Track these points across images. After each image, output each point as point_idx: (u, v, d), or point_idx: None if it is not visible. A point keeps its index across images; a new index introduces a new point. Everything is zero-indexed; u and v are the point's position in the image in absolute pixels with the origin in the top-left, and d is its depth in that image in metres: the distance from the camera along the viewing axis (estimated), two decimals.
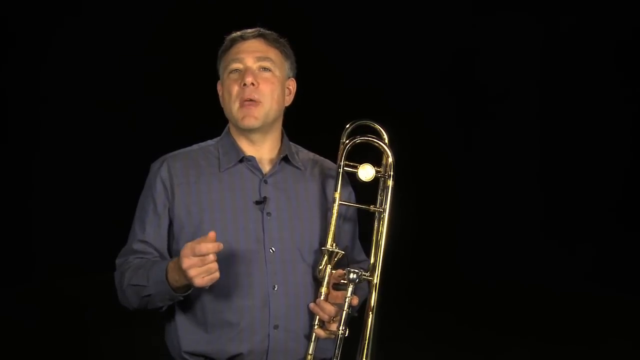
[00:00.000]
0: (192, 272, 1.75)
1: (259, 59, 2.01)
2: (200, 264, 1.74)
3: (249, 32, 2.05)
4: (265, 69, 2.01)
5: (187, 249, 1.75)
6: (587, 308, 5.43)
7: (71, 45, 5.88)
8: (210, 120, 2.32)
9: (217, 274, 1.77)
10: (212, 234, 1.75)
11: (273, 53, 2.03)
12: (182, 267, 1.76)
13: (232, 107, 2.00)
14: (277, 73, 2.03)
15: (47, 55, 5.88)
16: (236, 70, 2.01)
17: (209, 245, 1.73)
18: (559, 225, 6.44)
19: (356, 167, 1.98)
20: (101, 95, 5.97)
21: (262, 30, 2.06)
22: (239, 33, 2.05)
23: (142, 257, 1.99)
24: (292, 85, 2.11)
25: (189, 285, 1.83)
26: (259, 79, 1.99)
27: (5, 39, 5.72)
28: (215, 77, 2.11)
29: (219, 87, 2.08)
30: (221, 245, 1.75)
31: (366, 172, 1.97)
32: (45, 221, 5.95)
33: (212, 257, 1.74)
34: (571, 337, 4.88)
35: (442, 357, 4.53)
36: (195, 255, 1.74)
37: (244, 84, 1.97)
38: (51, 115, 6.01)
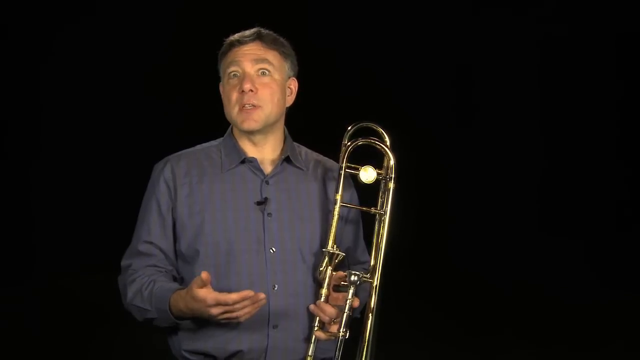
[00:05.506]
0: (222, 317, 1.80)
1: (257, 62, 1.99)
2: (229, 310, 1.79)
3: (247, 35, 2.02)
4: (263, 72, 1.99)
5: (210, 300, 1.76)
6: (588, 309, 5.42)
7: (72, 45, 5.88)
8: (212, 122, 2.32)
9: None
10: (205, 275, 1.77)
11: (271, 55, 2.01)
12: (210, 312, 1.78)
13: (232, 112, 2.00)
14: (277, 76, 2.01)
15: (47, 55, 5.88)
16: (234, 74, 2.00)
17: (233, 296, 1.77)
18: (559, 227, 6.46)
19: (358, 169, 1.98)
20: (102, 95, 5.97)
21: (260, 31, 2.03)
22: (236, 36, 2.03)
23: (146, 266, 1.98)
24: (294, 84, 2.09)
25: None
26: (257, 84, 1.97)
27: (4, 39, 5.73)
28: (217, 77, 2.11)
29: (220, 89, 2.08)
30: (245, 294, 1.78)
31: (367, 174, 1.97)
32: (46, 221, 5.96)
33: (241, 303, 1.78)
34: (572, 337, 4.88)
35: (442, 358, 4.53)
36: (220, 304, 1.77)
37: (242, 90, 1.97)
38: (52, 115, 6.01)
